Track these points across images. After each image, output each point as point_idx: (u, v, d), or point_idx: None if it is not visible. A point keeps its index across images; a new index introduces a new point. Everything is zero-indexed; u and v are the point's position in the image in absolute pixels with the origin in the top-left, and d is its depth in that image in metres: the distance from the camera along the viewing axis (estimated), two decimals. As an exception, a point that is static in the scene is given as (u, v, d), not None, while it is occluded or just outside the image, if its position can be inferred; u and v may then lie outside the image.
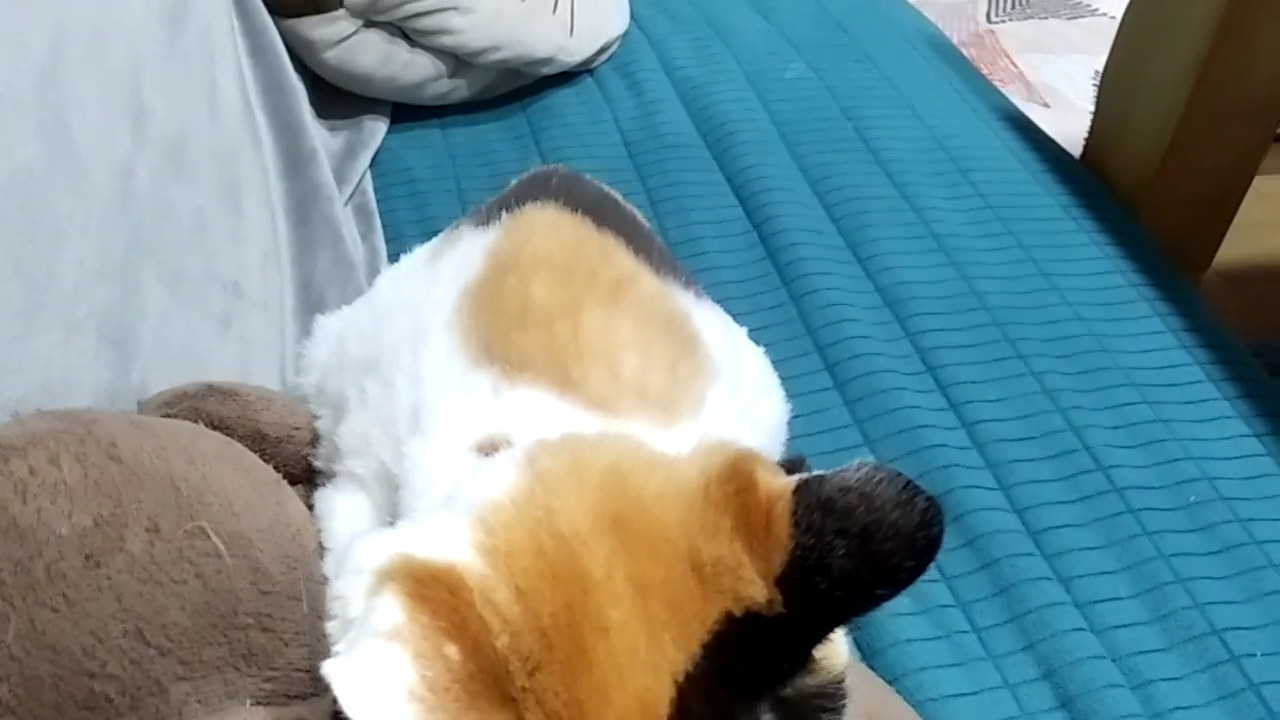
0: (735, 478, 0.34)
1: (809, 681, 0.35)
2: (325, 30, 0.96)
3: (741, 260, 0.94)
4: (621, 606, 0.33)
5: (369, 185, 0.98)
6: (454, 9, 0.99)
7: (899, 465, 0.81)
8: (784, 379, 0.72)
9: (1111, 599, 0.71)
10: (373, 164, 1.00)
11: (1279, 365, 0.99)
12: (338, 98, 1.02)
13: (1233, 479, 0.80)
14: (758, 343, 0.71)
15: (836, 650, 0.36)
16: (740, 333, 0.70)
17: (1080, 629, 0.69)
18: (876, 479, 0.33)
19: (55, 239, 0.57)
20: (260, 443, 0.57)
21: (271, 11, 0.94)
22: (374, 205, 0.95)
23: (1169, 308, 0.93)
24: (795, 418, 0.79)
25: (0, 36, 0.57)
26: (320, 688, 0.42)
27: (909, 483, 0.33)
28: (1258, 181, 1.62)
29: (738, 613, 0.33)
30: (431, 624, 0.30)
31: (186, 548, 0.39)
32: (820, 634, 0.34)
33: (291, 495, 0.51)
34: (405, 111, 1.06)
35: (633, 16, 1.19)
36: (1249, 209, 1.49)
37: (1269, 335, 1.26)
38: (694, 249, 0.93)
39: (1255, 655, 0.69)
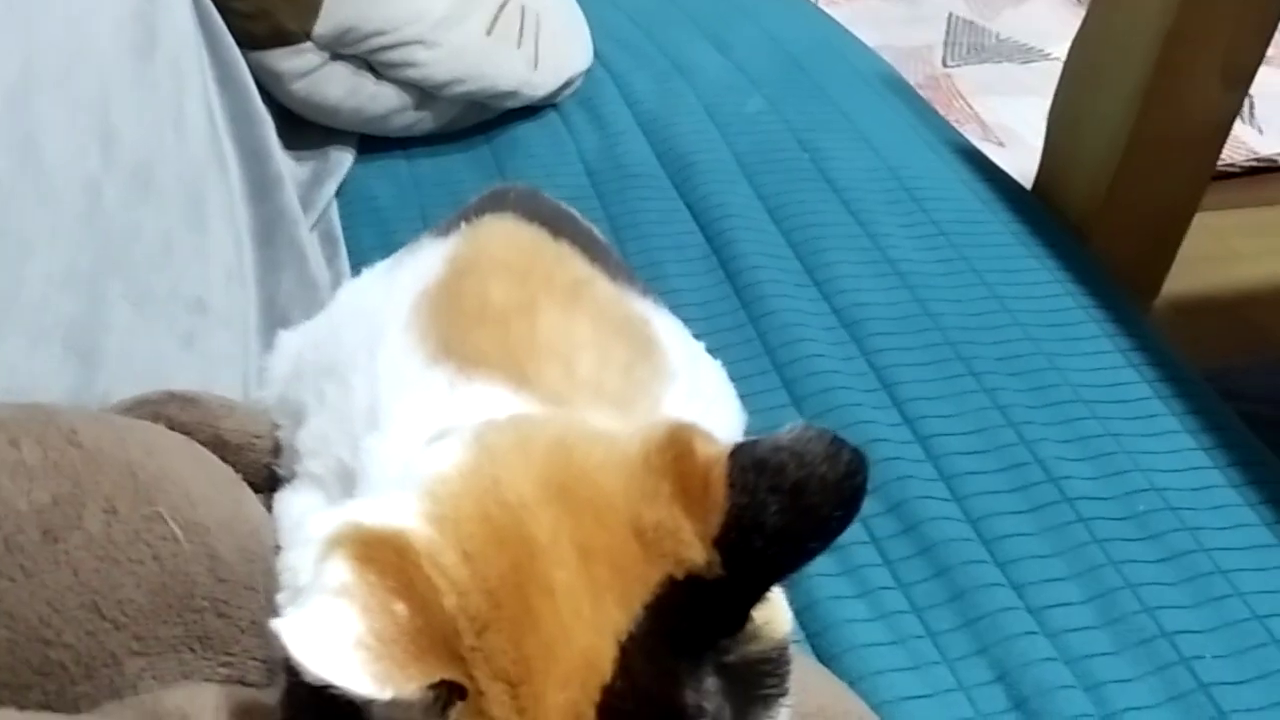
0: (673, 445, 0.35)
1: (752, 648, 0.36)
2: (293, 62, 0.98)
3: (701, 284, 0.96)
4: (566, 569, 0.34)
5: (334, 212, 0.99)
6: (420, 43, 1.02)
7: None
8: (742, 395, 0.73)
9: (1063, 604, 0.73)
10: (339, 192, 1.02)
11: (1227, 394, 1.02)
12: (305, 129, 1.04)
13: (1180, 490, 0.82)
14: (716, 359, 0.73)
15: (778, 617, 0.37)
16: (698, 345, 0.72)
17: (1033, 632, 0.70)
18: (806, 437, 0.35)
19: (23, 250, 0.58)
20: (221, 449, 0.57)
21: (240, 44, 0.96)
22: (339, 232, 0.97)
23: (1116, 329, 0.96)
24: (752, 432, 0.81)
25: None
26: (276, 679, 0.42)
27: (835, 437, 0.35)
28: (1207, 217, 1.67)
29: (679, 575, 0.34)
30: (379, 582, 0.31)
31: (144, 530, 0.40)
32: (758, 593, 0.35)
33: (251, 496, 0.52)
34: (372, 143, 1.08)
35: (596, 54, 1.22)
36: (1199, 243, 1.54)
37: (1217, 365, 1.30)
38: (655, 272, 0.95)
39: (1204, 657, 0.71)
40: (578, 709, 0.32)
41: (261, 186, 0.87)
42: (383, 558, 0.32)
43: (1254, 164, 1.71)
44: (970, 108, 1.74)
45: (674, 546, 0.34)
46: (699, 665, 0.34)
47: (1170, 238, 1.17)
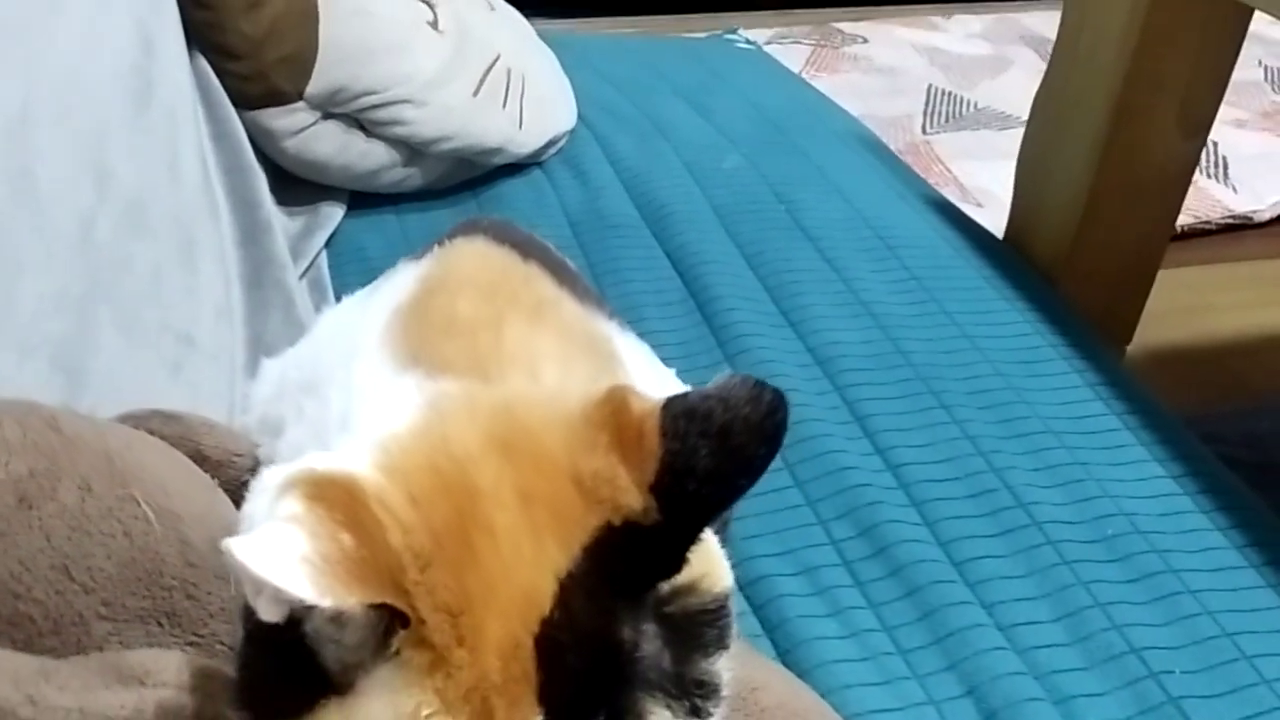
0: (610, 402, 0.38)
1: (692, 601, 0.38)
2: (285, 120, 1.03)
3: (679, 325, 0.99)
4: (508, 513, 0.35)
5: (324, 262, 1.02)
6: (408, 102, 1.06)
7: (826, 504, 0.84)
8: None
9: (1032, 622, 0.74)
10: (330, 244, 1.05)
11: (1206, 438, 1.04)
12: (298, 186, 1.08)
13: (1150, 515, 0.83)
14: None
15: (716, 572, 0.39)
16: (668, 370, 0.74)
17: (1001, 648, 0.71)
18: (731, 384, 0.37)
19: (15, 270, 0.61)
20: (201, 463, 0.59)
21: (235, 104, 1.01)
22: (328, 280, 1.00)
23: (1085, 365, 0.98)
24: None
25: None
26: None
27: (756, 381, 0.37)
28: (1184, 272, 1.71)
29: (617, 522, 0.36)
30: (327, 515, 0.33)
31: (116, 508, 0.42)
32: (693, 535, 0.37)
33: (225, 499, 0.54)
34: (363, 199, 1.11)
35: (580, 117, 1.27)
36: (1177, 297, 1.58)
37: (1196, 412, 1.32)
38: (634, 315, 0.97)
39: (1174, 672, 0.71)
40: (516, 639, 0.34)
41: (252, 233, 0.91)
42: (332, 495, 0.34)
43: (1229, 221, 1.75)
44: (949, 171, 1.79)
45: (612, 493, 0.36)
46: (638, 607, 0.36)
47: (1139, 285, 1.19)
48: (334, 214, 1.07)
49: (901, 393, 0.92)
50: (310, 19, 1.03)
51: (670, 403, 0.37)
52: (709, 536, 0.40)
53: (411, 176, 1.11)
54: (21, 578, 0.37)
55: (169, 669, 0.39)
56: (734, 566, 0.76)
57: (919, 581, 0.75)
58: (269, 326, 0.85)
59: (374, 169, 1.08)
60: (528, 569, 0.35)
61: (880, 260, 1.09)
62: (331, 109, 1.04)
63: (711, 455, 0.36)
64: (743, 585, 0.76)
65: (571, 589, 0.35)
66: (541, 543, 0.35)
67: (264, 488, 0.36)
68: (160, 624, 0.42)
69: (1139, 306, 1.22)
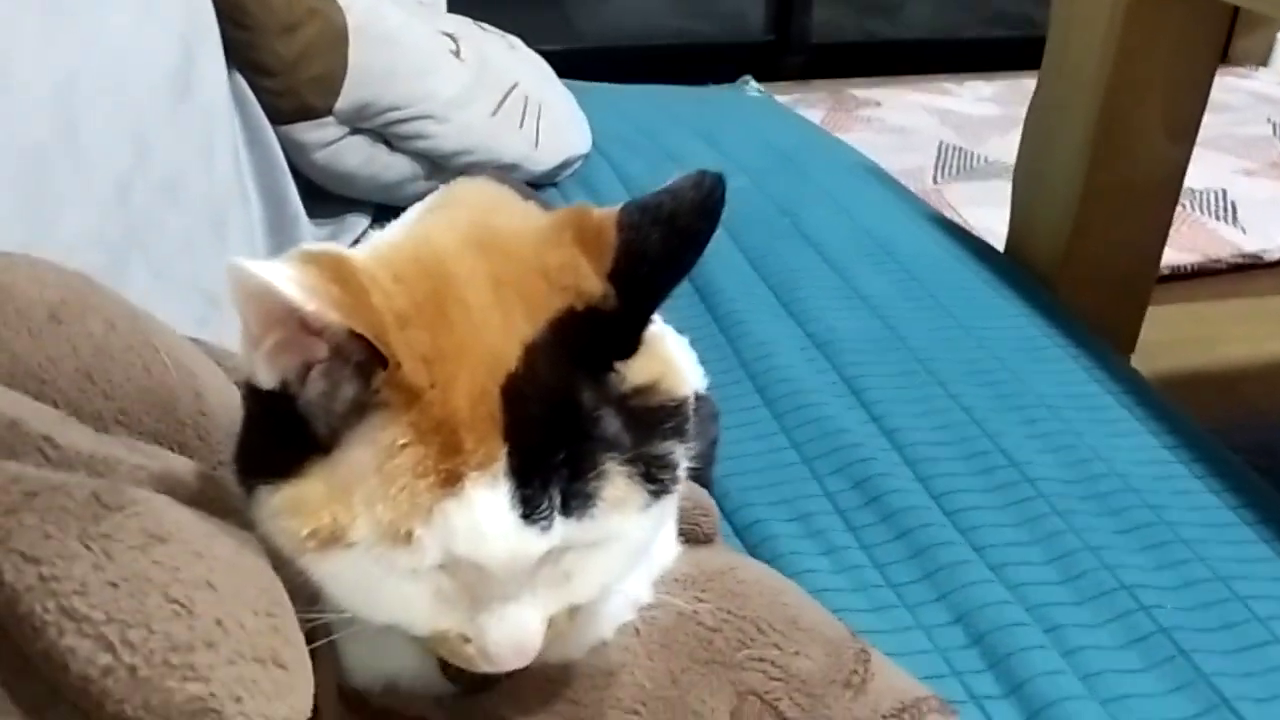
0: (575, 210, 0.42)
1: (651, 397, 0.41)
2: (315, 134, 1.10)
3: (683, 316, 1.02)
4: (480, 293, 0.39)
5: (348, 261, 1.08)
6: (430, 118, 1.13)
7: (821, 461, 0.86)
8: (720, 399, 0.79)
9: (1024, 563, 0.75)
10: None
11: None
12: (324, 199, 1.15)
13: (1143, 476, 0.84)
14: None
15: (676, 376, 0.42)
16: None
17: (990, 581, 0.72)
18: (680, 180, 0.41)
19: (57, 203, 0.66)
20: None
21: (269, 119, 1.08)
22: (351, 277, 1.05)
23: (1080, 351, 1.01)
24: (729, 428, 0.86)
25: (25, 50, 0.69)
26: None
27: (702, 171, 0.41)
28: (1198, 306, 1.73)
29: (580, 307, 0.39)
30: (318, 271, 0.37)
31: (138, 346, 0.46)
32: (645, 316, 0.41)
33: (237, 393, 0.58)
34: (386, 212, 1.17)
35: (595, 146, 1.34)
36: (1191, 329, 1.60)
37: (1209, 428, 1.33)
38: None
39: (1165, 607, 0.72)
40: (484, 387, 0.37)
41: (279, 224, 0.97)
42: (323, 260, 0.38)
43: (1239, 260, 1.78)
44: (958, 214, 1.84)
45: (575, 280, 0.40)
46: (598, 384, 0.39)
47: (1136, 293, 1.22)
48: (358, 224, 1.14)
49: (898, 370, 0.95)
50: (341, 43, 1.11)
51: (627, 204, 0.41)
52: (672, 345, 0.44)
53: (433, 189, 1.17)
54: (48, 370, 0.41)
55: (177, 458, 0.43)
56: (728, 515, 0.80)
57: (910, 525, 0.77)
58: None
59: (398, 180, 1.15)
60: (497, 335, 0.38)
61: (879, 262, 1.13)
62: (359, 124, 1.12)
63: (662, 239, 0.40)
64: (738, 529, 0.78)
65: (536, 354, 0.38)
66: (510, 317, 0.39)
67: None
68: (172, 450, 0.45)
69: (1138, 316, 1.24)
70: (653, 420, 0.40)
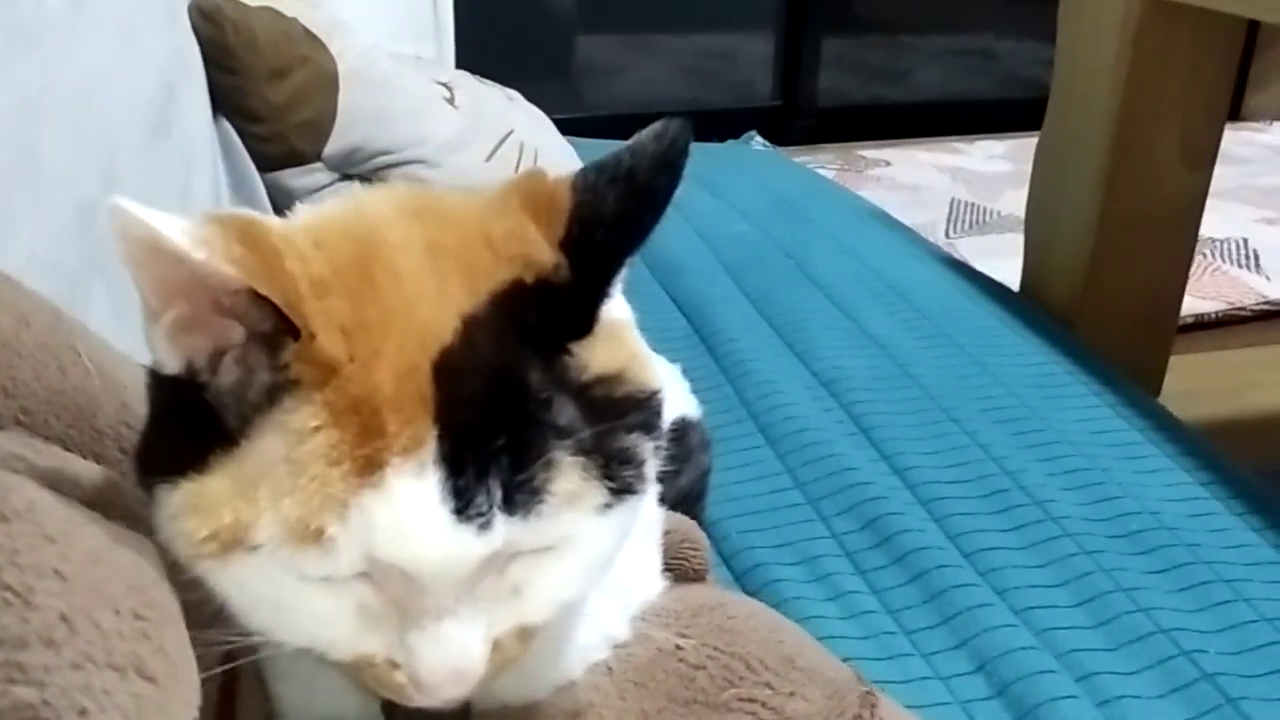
0: (525, 174, 0.37)
1: (616, 387, 0.36)
2: (304, 180, 1.07)
3: (680, 357, 0.98)
4: (413, 259, 0.34)
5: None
6: (423, 162, 1.10)
7: (828, 502, 0.81)
8: (718, 440, 0.74)
9: (1050, 605, 0.68)
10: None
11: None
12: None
13: (1177, 514, 0.78)
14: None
15: (644, 367, 0.37)
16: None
17: (1013, 625, 0.66)
18: (641, 133, 0.36)
19: (8, 226, 0.63)
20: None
21: (256, 166, 1.06)
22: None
23: (1104, 388, 0.95)
24: (729, 469, 0.80)
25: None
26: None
27: (667, 120, 0.36)
28: (1225, 355, 1.67)
29: (529, 279, 0.34)
30: (223, 231, 0.33)
31: (54, 346, 0.41)
32: (602, 289, 0.36)
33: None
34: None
35: (595, 195, 1.30)
36: (1218, 377, 1.54)
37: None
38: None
39: (1208, 652, 0.65)
40: (413, 362, 0.32)
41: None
42: (231, 221, 0.33)
43: (1264, 308, 1.73)
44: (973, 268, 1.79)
45: (522, 249, 0.35)
46: (549, 364, 0.34)
47: (1159, 329, 1.16)
48: (348, 271, 1.10)
49: (909, 408, 0.90)
50: (331, 88, 1.09)
51: (585, 166, 0.36)
52: (639, 340, 0.39)
53: (425, 237, 1.14)
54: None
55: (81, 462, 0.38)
56: (728, 558, 0.74)
57: (925, 567, 0.71)
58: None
59: (388, 227, 1.12)
60: (430, 305, 0.33)
61: (889, 303, 1.08)
62: (348, 169, 1.09)
63: (619, 199, 0.35)
64: (738, 574, 0.72)
65: (475, 327, 0.33)
66: (446, 285, 0.34)
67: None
68: (84, 459, 0.40)
69: (1163, 357, 1.18)
70: (615, 412, 0.35)
